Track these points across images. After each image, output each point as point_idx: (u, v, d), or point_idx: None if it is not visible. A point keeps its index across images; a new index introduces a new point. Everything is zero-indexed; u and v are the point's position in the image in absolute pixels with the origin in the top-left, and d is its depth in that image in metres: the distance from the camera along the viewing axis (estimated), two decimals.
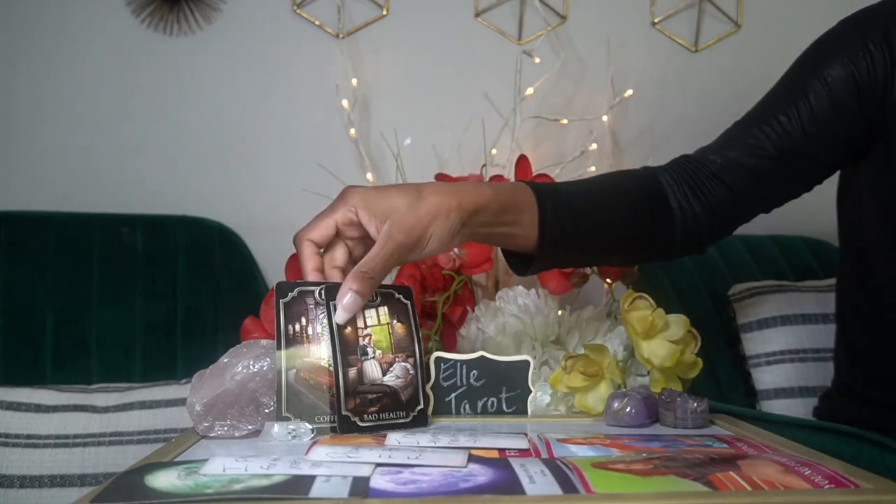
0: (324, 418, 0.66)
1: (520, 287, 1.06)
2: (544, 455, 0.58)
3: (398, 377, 0.68)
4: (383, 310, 0.69)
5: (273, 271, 1.39)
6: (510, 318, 0.99)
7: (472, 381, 0.77)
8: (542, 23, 1.54)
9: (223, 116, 1.50)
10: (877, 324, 0.93)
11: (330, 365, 0.66)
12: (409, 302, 0.71)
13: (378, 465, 0.52)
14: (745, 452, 0.58)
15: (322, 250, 0.71)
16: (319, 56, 1.51)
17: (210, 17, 1.49)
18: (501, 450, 0.59)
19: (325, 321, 0.67)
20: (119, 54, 1.47)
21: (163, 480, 0.49)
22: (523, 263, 0.82)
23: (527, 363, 0.78)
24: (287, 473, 0.50)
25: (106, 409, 1.06)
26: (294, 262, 0.92)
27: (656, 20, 1.57)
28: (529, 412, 0.77)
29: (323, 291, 0.67)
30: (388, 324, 0.69)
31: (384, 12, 1.53)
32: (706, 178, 0.88)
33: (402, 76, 1.53)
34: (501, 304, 1.03)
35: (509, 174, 1.36)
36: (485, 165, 1.41)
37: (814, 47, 0.91)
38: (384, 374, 0.67)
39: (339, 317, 0.65)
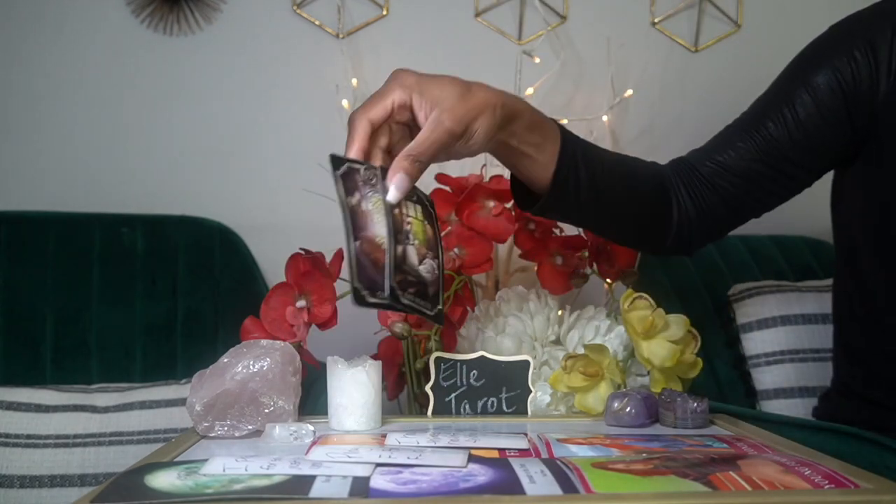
0: (382, 294, 0.64)
1: (520, 287, 1.06)
2: (544, 455, 0.58)
3: (428, 271, 0.69)
4: (419, 208, 0.70)
5: (273, 271, 1.39)
6: (510, 318, 0.99)
7: (472, 381, 0.77)
8: (542, 23, 1.54)
9: (223, 116, 1.50)
10: (872, 326, 0.93)
11: (383, 243, 0.65)
12: (433, 211, 0.73)
13: (378, 465, 0.52)
14: (745, 452, 0.58)
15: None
16: (319, 56, 1.51)
17: (210, 17, 1.49)
18: (501, 450, 0.59)
19: (375, 199, 0.67)
20: (119, 54, 1.47)
21: (163, 480, 0.49)
22: (528, 199, 0.82)
23: (527, 363, 0.78)
24: (287, 473, 0.50)
25: (106, 409, 1.06)
26: (295, 262, 0.92)
27: (656, 20, 1.57)
28: (529, 412, 0.77)
29: (379, 171, 0.68)
30: (422, 221, 0.70)
31: (384, 12, 1.53)
32: (698, 182, 0.89)
33: None
34: (501, 304, 1.03)
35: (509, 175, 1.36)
36: (485, 165, 1.40)
37: (801, 55, 0.92)
38: (419, 263, 0.68)
39: (392, 195, 0.66)
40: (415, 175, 0.67)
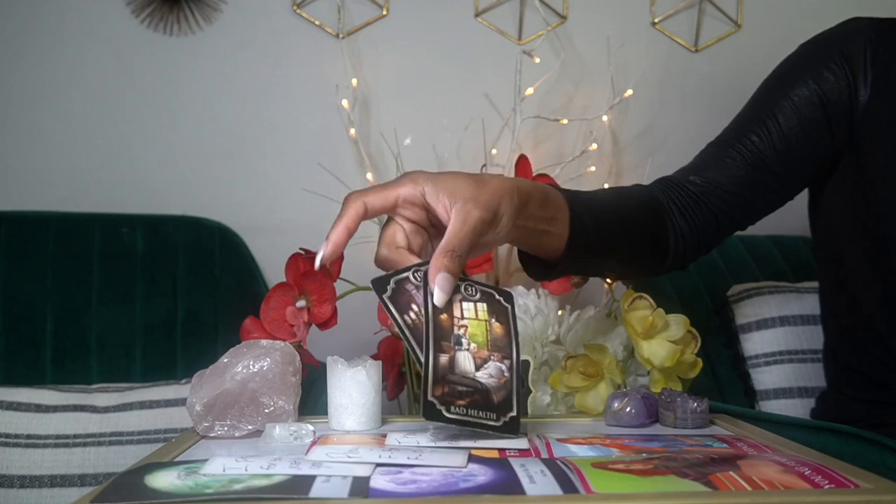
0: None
1: (520, 287, 1.06)
2: (544, 455, 0.58)
3: (491, 376, 0.62)
4: (482, 306, 0.65)
5: (273, 271, 1.39)
6: None
7: None
8: (542, 23, 1.54)
9: (223, 116, 1.50)
10: (860, 334, 0.94)
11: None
12: (509, 305, 0.66)
13: (378, 465, 0.52)
14: (745, 452, 0.58)
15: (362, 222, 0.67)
16: (319, 56, 1.51)
17: (210, 17, 1.49)
18: (501, 450, 0.59)
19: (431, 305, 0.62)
20: (119, 54, 1.47)
21: (163, 480, 0.49)
22: (542, 269, 0.80)
23: (527, 363, 0.78)
24: (287, 473, 0.50)
25: (106, 409, 1.07)
26: (294, 262, 0.92)
27: (656, 20, 1.57)
28: (529, 412, 0.77)
29: (419, 273, 0.63)
30: (486, 321, 0.64)
31: (384, 12, 1.53)
32: (689, 199, 0.90)
33: (402, 76, 1.53)
34: None
35: (509, 174, 1.36)
36: (485, 165, 1.41)
37: (777, 71, 0.94)
38: (477, 369, 0.62)
39: (438, 298, 0.62)
40: (457, 271, 0.62)
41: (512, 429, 0.61)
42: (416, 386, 1.10)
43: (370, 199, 0.64)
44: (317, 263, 0.64)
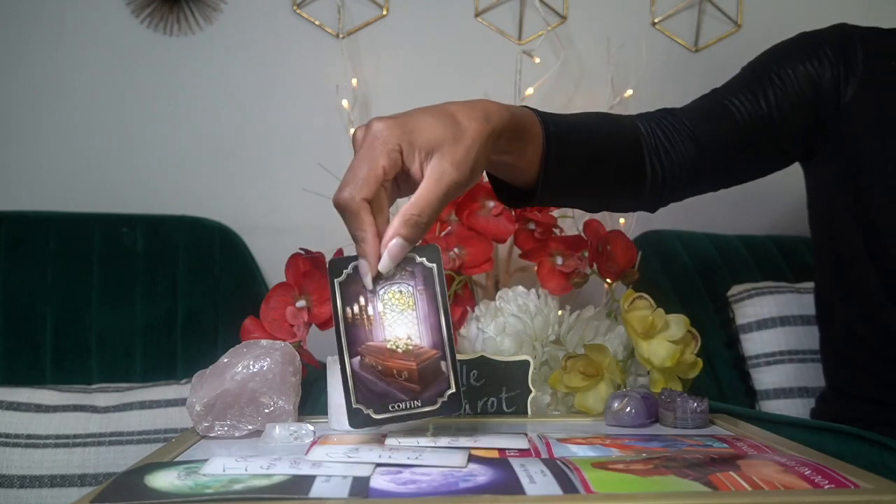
0: (398, 405, 0.59)
1: (520, 287, 1.06)
2: (544, 455, 0.58)
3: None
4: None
5: (273, 271, 1.39)
6: (510, 318, 0.99)
7: (472, 381, 0.77)
8: (542, 23, 1.54)
9: (223, 116, 1.50)
10: (861, 327, 0.95)
11: (397, 347, 0.60)
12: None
13: (378, 465, 0.52)
14: (745, 452, 0.58)
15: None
16: (319, 56, 1.51)
17: (210, 17, 1.49)
18: (501, 450, 0.59)
19: (386, 297, 0.60)
20: (119, 54, 1.47)
21: (163, 480, 0.49)
22: (515, 197, 0.78)
23: (527, 363, 0.78)
24: (287, 473, 0.50)
25: (106, 409, 1.06)
26: (295, 262, 0.92)
27: (656, 20, 1.57)
28: (529, 412, 0.77)
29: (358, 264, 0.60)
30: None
31: (384, 12, 1.53)
32: (678, 133, 0.89)
33: (402, 76, 1.53)
34: (501, 304, 1.03)
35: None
36: None
37: (772, 49, 0.97)
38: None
39: (384, 264, 0.58)
40: (413, 240, 0.58)
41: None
42: None
43: (367, 192, 0.59)
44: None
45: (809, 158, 0.97)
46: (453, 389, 0.60)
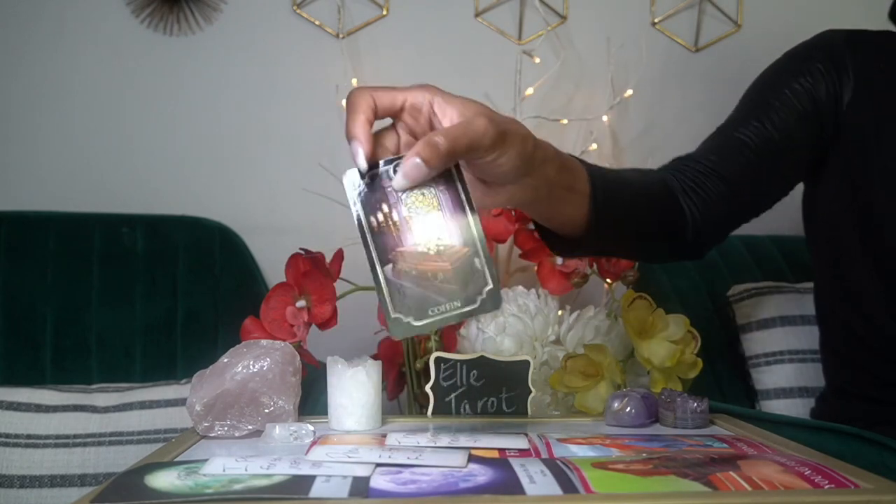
0: (438, 308, 0.58)
1: (520, 287, 1.06)
2: (544, 455, 0.58)
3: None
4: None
5: (273, 271, 1.39)
6: (510, 318, 0.99)
7: (472, 381, 0.77)
8: (542, 23, 1.54)
9: (223, 116, 1.50)
10: (860, 328, 0.95)
11: (429, 249, 0.58)
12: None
13: (378, 465, 0.52)
14: (745, 452, 0.58)
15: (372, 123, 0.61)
16: (319, 56, 1.51)
17: (210, 17, 1.49)
18: (501, 450, 0.59)
19: (409, 201, 0.59)
20: (119, 54, 1.47)
21: (163, 480, 0.49)
22: (564, 243, 0.78)
23: (527, 363, 0.78)
24: (287, 473, 0.50)
25: (106, 409, 1.06)
26: (295, 262, 0.92)
27: (656, 20, 1.57)
28: (529, 412, 0.77)
29: (398, 168, 0.59)
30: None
31: (384, 12, 1.53)
32: (703, 175, 0.90)
33: (402, 76, 1.53)
34: (502, 303, 1.03)
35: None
36: None
37: (766, 72, 0.97)
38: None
39: (397, 182, 0.58)
40: (430, 161, 0.57)
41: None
42: (417, 385, 1.10)
43: (379, 95, 0.60)
44: (363, 165, 0.59)
45: (823, 164, 0.96)
46: (491, 285, 0.59)
